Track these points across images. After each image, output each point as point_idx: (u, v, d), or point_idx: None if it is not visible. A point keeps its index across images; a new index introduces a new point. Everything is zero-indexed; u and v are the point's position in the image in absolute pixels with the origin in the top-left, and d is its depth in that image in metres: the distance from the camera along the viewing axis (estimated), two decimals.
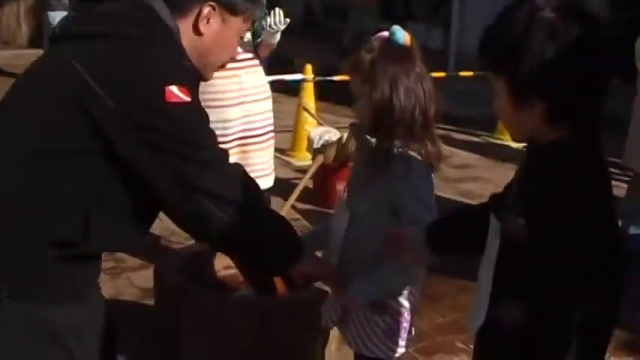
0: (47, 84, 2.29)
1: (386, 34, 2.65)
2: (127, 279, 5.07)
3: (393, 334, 2.75)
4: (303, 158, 7.98)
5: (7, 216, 2.26)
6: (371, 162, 2.66)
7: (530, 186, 1.97)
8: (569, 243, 1.86)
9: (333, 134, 6.57)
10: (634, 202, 5.88)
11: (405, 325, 2.76)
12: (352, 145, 6.43)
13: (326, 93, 9.07)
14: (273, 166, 5.04)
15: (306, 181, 6.24)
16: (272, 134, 4.98)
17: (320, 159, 6.43)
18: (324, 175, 6.58)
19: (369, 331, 2.74)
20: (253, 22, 4.63)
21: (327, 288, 2.91)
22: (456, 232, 2.42)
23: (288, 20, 4.71)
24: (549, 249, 1.86)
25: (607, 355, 4.14)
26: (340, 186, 6.63)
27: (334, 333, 3.20)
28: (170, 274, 3.30)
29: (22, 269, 2.28)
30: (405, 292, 2.74)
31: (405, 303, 2.75)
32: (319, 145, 6.46)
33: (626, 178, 6.52)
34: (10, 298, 2.25)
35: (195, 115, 2.31)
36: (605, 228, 1.93)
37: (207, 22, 2.41)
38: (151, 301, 4.69)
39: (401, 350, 2.78)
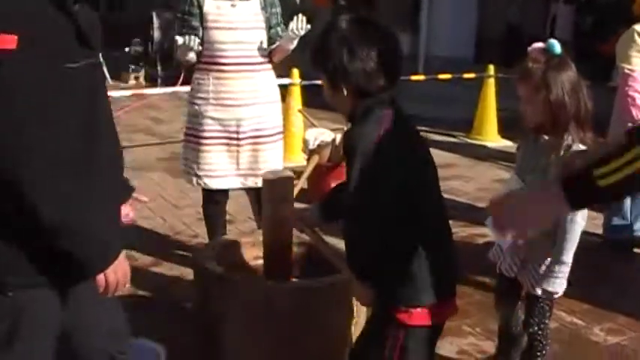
0: None
1: (541, 45, 3.41)
2: (142, 276, 5.26)
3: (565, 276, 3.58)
4: (293, 160, 8.21)
5: None
6: (549, 152, 3.43)
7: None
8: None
9: (327, 135, 6.81)
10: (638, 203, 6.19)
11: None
12: None
13: (310, 97, 9.30)
14: (282, 165, 5.30)
15: (303, 182, 6.48)
16: (282, 135, 5.28)
17: (315, 159, 6.65)
18: (319, 175, 6.80)
19: (551, 276, 3.53)
20: (270, 29, 4.97)
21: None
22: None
23: (309, 27, 4.90)
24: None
25: (603, 334, 4.48)
26: (334, 184, 6.87)
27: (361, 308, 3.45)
28: (210, 264, 3.52)
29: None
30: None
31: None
32: (315, 146, 6.70)
33: None
34: None
35: None
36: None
37: None
38: (170, 295, 4.96)
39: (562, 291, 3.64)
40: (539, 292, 3.60)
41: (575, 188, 2.07)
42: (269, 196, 3.43)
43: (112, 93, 9.42)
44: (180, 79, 11.25)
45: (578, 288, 5.23)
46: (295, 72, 8.76)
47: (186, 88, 10.10)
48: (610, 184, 2.03)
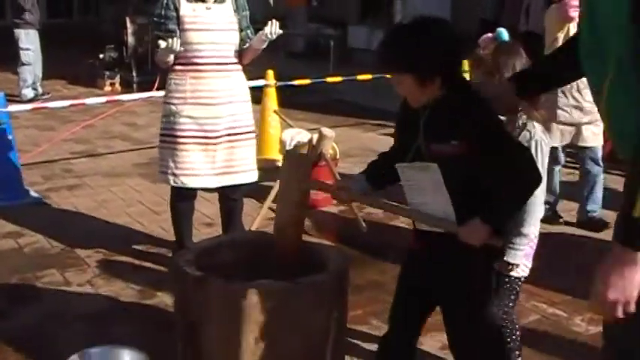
0: None
1: (490, 35, 3.65)
2: (123, 282, 5.25)
3: (528, 257, 3.73)
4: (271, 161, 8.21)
5: None
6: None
7: (456, 122, 2.94)
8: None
9: (304, 135, 6.80)
10: (587, 182, 6.47)
11: (530, 252, 3.74)
12: (323, 146, 6.71)
13: (285, 97, 9.31)
14: (256, 163, 5.40)
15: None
16: (254, 134, 5.38)
17: None
18: None
19: (510, 247, 3.59)
20: (241, 31, 5.12)
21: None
22: (383, 174, 3.35)
23: (281, 31, 5.08)
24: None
25: (585, 324, 4.48)
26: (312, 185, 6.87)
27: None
28: (189, 267, 3.51)
29: None
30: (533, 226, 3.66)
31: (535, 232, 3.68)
32: (292, 147, 6.69)
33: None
34: None
35: None
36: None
37: None
38: (151, 300, 4.95)
39: (524, 273, 3.78)
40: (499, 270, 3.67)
41: (631, 235, 2.12)
42: (294, 171, 3.56)
43: (86, 100, 9.43)
44: (156, 84, 11.20)
45: (557, 279, 5.29)
46: (270, 73, 8.75)
47: (162, 93, 10.13)
48: None
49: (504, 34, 3.62)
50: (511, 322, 3.85)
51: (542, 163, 3.54)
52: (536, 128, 3.57)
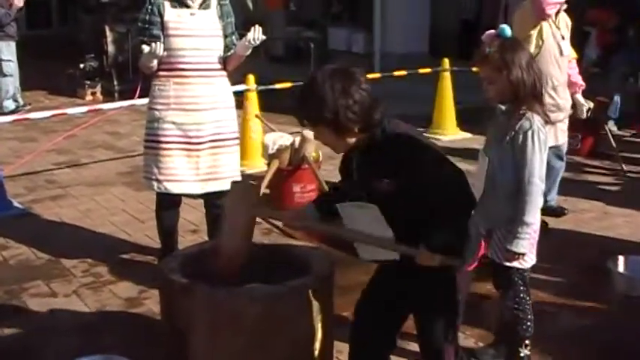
0: None
1: (493, 32, 3.72)
2: (109, 291, 5.24)
3: (532, 247, 3.80)
4: (253, 165, 8.22)
5: None
6: (506, 121, 3.72)
7: (387, 160, 3.09)
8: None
9: (286, 139, 6.83)
10: (550, 176, 6.44)
11: (534, 241, 3.79)
12: (305, 149, 6.73)
13: (267, 102, 9.31)
14: (239, 169, 5.44)
15: (265, 186, 6.50)
16: (238, 140, 5.40)
17: (275, 163, 6.69)
18: (280, 178, 6.81)
19: (515, 236, 3.67)
20: (225, 37, 5.14)
21: None
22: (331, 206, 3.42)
23: (264, 37, 5.14)
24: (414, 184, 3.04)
25: (571, 316, 4.46)
26: (296, 187, 6.88)
27: None
28: (174, 275, 3.51)
29: None
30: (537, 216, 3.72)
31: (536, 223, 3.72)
32: (274, 150, 6.72)
33: None
34: None
35: None
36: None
37: None
38: (138, 309, 4.94)
39: (531, 263, 3.85)
40: (505, 261, 3.76)
41: None
42: (240, 201, 3.51)
43: (68, 110, 9.39)
44: (137, 92, 11.17)
45: (542, 273, 5.30)
46: (251, 78, 8.72)
47: (144, 101, 10.09)
48: None
49: (507, 30, 3.70)
50: (523, 311, 3.93)
51: (539, 151, 3.62)
52: (535, 118, 3.64)
